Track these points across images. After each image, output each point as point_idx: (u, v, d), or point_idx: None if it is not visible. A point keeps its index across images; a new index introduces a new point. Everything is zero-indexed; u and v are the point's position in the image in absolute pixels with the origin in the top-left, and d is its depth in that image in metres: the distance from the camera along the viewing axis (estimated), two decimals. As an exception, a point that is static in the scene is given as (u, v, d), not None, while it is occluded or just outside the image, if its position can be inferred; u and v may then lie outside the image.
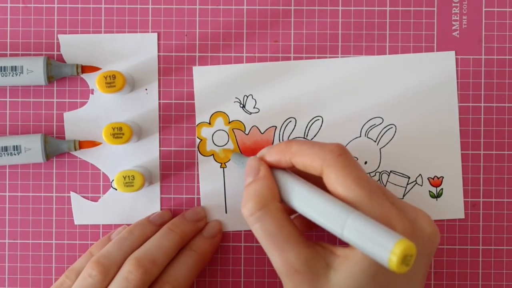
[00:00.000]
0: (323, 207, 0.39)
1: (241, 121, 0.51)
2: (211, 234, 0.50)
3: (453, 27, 0.51)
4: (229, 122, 0.51)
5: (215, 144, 0.51)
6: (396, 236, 0.36)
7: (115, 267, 0.45)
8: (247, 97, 0.51)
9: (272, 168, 0.44)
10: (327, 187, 0.41)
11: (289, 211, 0.44)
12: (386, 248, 0.35)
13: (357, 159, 0.51)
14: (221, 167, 0.51)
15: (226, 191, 0.51)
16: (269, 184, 0.42)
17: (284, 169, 0.44)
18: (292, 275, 0.40)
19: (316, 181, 0.42)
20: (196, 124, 0.51)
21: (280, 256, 0.40)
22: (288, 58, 0.51)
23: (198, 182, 0.51)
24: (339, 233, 0.38)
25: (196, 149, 0.51)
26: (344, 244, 0.40)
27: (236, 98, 0.51)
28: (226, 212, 0.51)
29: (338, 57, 0.51)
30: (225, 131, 0.51)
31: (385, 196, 0.40)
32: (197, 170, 0.51)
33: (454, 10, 0.51)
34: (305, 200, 0.41)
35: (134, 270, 0.44)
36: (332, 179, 0.40)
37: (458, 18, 0.51)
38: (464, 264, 0.51)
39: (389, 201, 0.41)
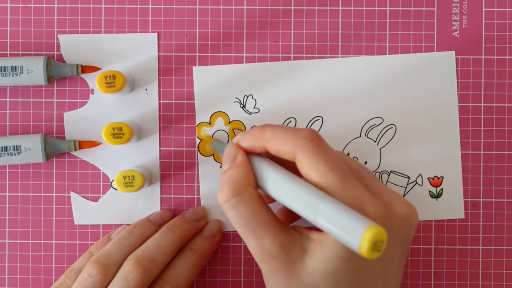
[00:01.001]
0: (296, 194, 0.39)
1: (241, 121, 0.51)
2: (211, 234, 0.50)
3: (453, 27, 0.51)
4: (229, 122, 0.51)
5: (215, 144, 0.51)
6: (366, 222, 0.36)
7: (115, 267, 0.45)
8: (247, 97, 0.51)
9: (249, 154, 0.44)
10: (301, 173, 0.41)
11: (268, 199, 0.44)
12: (356, 234, 0.35)
13: (357, 159, 0.51)
14: (221, 167, 0.51)
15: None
16: (245, 171, 0.42)
17: (260, 155, 0.44)
18: (268, 260, 0.40)
19: (291, 167, 0.42)
20: (196, 124, 0.51)
21: (256, 242, 0.40)
22: (288, 58, 0.51)
23: (198, 182, 0.51)
24: (312, 219, 0.38)
25: (196, 149, 0.51)
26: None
27: (236, 98, 0.51)
28: (226, 212, 0.51)
29: (338, 57, 0.51)
30: (225, 131, 0.51)
31: (358, 181, 0.40)
32: (197, 170, 0.51)
33: (454, 10, 0.51)
34: (279, 187, 0.41)
35: (134, 269, 0.44)
36: (305, 165, 0.40)
37: (458, 18, 0.51)
38: (464, 264, 0.51)
39: (364, 185, 0.41)
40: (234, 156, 0.43)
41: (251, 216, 0.41)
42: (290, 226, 0.42)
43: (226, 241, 0.51)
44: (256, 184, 0.43)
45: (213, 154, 0.51)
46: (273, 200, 0.46)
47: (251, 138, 0.43)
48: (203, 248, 0.49)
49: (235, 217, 0.41)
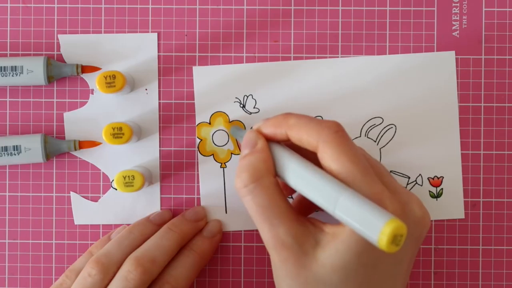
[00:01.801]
0: (316, 184, 0.39)
1: (241, 121, 0.51)
2: (211, 234, 0.50)
3: (453, 27, 0.51)
4: (229, 122, 0.51)
5: (215, 144, 0.51)
6: (387, 215, 0.36)
7: (115, 267, 0.45)
8: (247, 97, 0.51)
9: (269, 142, 0.43)
10: (321, 163, 0.40)
11: (287, 188, 0.44)
12: (376, 227, 0.35)
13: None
14: (221, 167, 0.51)
15: (226, 191, 0.51)
16: (265, 158, 0.42)
17: (280, 143, 0.43)
18: (280, 249, 0.40)
19: (310, 157, 0.42)
20: (196, 124, 0.51)
21: (270, 230, 0.40)
22: (288, 58, 0.51)
23: (198, 182, 0.51)
24: (331, 210, 0.38)
25: (196, 149, 0.51)
26: (335, 221, 0.40)
27: (236, 98, 0.51)
28: (226, 212, 0.51)
29: (338, 57, 0.51)
30: (225, 131, 0.51)
31: (377, 177, 0.40)
32: (197, 170, 0.51)
33: (454, 10, 0.51)
34: (299, 176, 0.40)
35: (134, 269, 0.44)
36: (327, 155, 0.40)
37: (458, 18, 0.51)
38: (464, 264, 0.51)
39: (382, 182, 0.41)
40: (255, 142, 0.43)
41: (267, 203, 0.41)
42: (305, 217, 0.42)
43: (226, 241, 0.51)
44: (274, 171, 0.42)
45: (213, 154, 0.51)
46: (291, 193, 0.46)
47: (274, 125, 0.43)
48: (203, 248, 0.49)
49: (251, 203, 0.41)
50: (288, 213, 0.41)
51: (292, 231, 0.40)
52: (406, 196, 0.42)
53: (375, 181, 0.39)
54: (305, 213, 0.47)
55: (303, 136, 0.41)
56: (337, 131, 0.40)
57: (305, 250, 0.40)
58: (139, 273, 0.44)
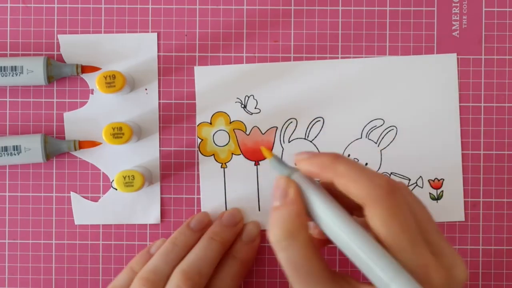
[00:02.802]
0: (366, 260, 0.37)
1: (242, 122, 0.51)
2: (250, 238, 0.50)
3: (453, 27, 0.51)
4: (230, 122, 0.51)
5: (216, 144, 0.51)
6: None
7: (163, 282, 0.45)
8: (248, 97, 0.51)
9: (304, 184, 0.40)
10: (368, 221, 0.38)
11: (319, 242, 0.42)
12: None
13: (358, 160, 0.51)
14: (221, 167, 0.51)
15: (226, 191, 0.51)
16: (298, 211, 0.39)
17: (315, 182, 0.40)
18: None
19: (351, 204, 0.39)
20: (197, 124, 0.51)
21: None
22: (288, 58, 0.51)
23: (198, 182, 0.51)
24: None
25: (197, 149, 0.51)
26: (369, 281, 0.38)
27: (237, 98, 0.51)
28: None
29: (338, 57, 0.51)
30: (226, 131, 0.51)
31: (425, 244, 0.38)
32: (197, 170, 0.51)
33: (454, 10, 0.51)
34: (344, 241, 0.38)
35: (183, 284, 0.44)
36: (376, 218, 0.37)
37: (458, 18, 0.51)
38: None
39: (428, 242, 0.39)
40: (285, 191, 0.39)
41: (302, 262, 0.38)
42: (340, 275, 0.40)
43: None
44: (307, 225, 0.39)
45: (213, 154, 0.51)
46: (324, 245, 0.43)
47: (320, 166, 0.39)
48: (245, 254, 0.49)
49: (285, 260, 0.39)
50: (323, 273, 0.39)
51: None
52: (451, 258, 0.39)
53: (424, 250, 0.38)
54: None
55: (351, 189, 0.38)
56: (389, 192, 0.37)
57: None
58: (188, 286, 0.44)
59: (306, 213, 0.39)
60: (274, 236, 0.39)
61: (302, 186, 0.39)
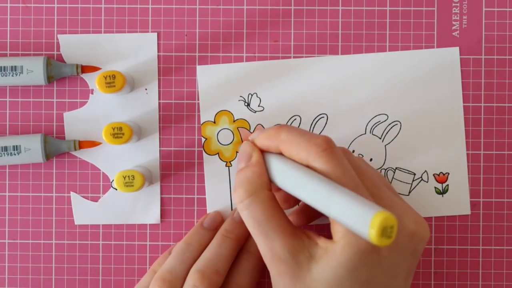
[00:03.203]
0: (310, 187, 0.39)
1: (246, 120, 0.51)
2: None
3: (453, 27, 0.51)
4: (234, 121, 0.51)
5: (220, 143, 0.51)
6: (375, 208, 0.35)
7: (180, 281, 0.46)
8: (252, 95, 0.51)
9: (264, 151, 0.44)
10: None
11: (288, 201, 0.45)
12: (365, 221, 0.35)
13: (363, 156, 0.51)
14: (226, 165, 0.51)
15: (231, 189, 0.51)
16: (259, 172, 0.42)
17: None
18: (276, 262, 0.40)
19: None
20: (201, 123, 0.51)
21: (266, 244, 0.41)
22: (288, 58, 0.51)
23: (198, 182, 0.51)
24: (327, 211, 0.38)
25: (202, 148, 0.51)
26: (329, 235, 0.40)
27: (240, 96, 0.51)
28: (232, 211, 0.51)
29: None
30: (230, 129, 0.51)
31: (368, 192, 0.40)
32: (197, 170, 0.51)
33: (454, 10, 0.51)
34: (294, 181, 0.41)
35: (200, 284, 0.45)
36: (318, 173, 0.40)
37: (458, 18, 0.51)
38: (464, 264, 0.51)
39: (376, 196, 0.41)
40: (250, 155, 0.44)
41: (263, 218, 0.41)
42: (301, 230, 0.42)
43: (226, 241, 0.51)
44: (270, 185, 0.43)
45: (218, 153, 0.51)
46: (291, 206, 0.46)
47: (267, 139, 0.43)
48: None
49: (248, 218, 0.42)
50: (283, 227, 0.41)
51: (288, 245, 0.40)
52: (400, 210, 0.41)
53: (364, 197, 0.39)
54: (309, 220, 0.47)
55: (293, 152, 0.41)
56: (325, 148, 0.40)
57: (300, 263, 0.40)
58: (206, 286, 0.45)
59: (268, 176, 0.43)
60: (239, 196, 0.42)
61: (263, 153, 0.44)
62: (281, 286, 0.41)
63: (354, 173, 0.41)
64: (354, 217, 0.36)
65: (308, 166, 0.41)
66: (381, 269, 0.40)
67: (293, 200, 0.46)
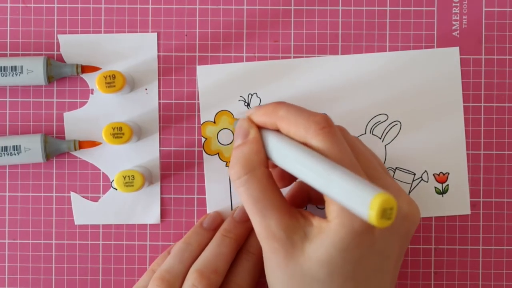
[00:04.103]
0: (308, 165, 0.39)
1: None
2: None
3: (453, 27, 0.51)
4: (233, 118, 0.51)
5: (220, 143, 0.51)
6: (375, 189, 0.35)
7: (179, 281, 0.46)
8: (252, 95, 0.51)
9: (262, 129, 0.43)
10: None
11: (284, 179, 0.45)
12: (365, 202, 0.35)
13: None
14: (226, 165, 0.51)
15: (232, 189, 0.51)
16: (257, 149, 0.42)
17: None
18: (271, 240, 0.40)
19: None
20: (201, 123, 0.51)
21: (261, 221, 0.41)
22: (288, 58, 0.51)
23: (198, 182, 0.51)
24: (325, 190, 0.38)
25: (202, 148, 0.51)
26: (323, 215, 0.40)
27: (240, 96, 0.51)
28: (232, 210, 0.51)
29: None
30: (230, 129, 0.51)
31: (364, 173, 0.41)
32: (197, 170, 0.51)
33: (454, 10, 0.51)
34: (292, 159, 0.40)
35: (199, 283, 0.44)
36: (316, 150, 0.40)
37: (458, 18, 0.51)
38: (464, 264, 0.51)
39: (372, 177, 0.41)
40: (247, 131, 0.43)
41: (260, 195, 0.41)
42: (297, 210, 0.42)
43: (226, 241, 0.51)
44: (267, 162, 0.42)
45: (218, 153, 0.51)
46: (287, 184, 0.46)
47: (264, 115, 0.43)
48: (260, 248, 0.49)
49: (244, 195, 0.41)
50: (279, 205, 0.41)
51: (283, 223, 0.40)
52: (394, 192, 0.41)
53: (361, 176, 0.39)
54: (300, 205, 0.48)
55: (291, 130, 0.41)
56: (324, 126, 0.40)
57: (294, 242, 0.40)
58: (204, 285, 0.44)
59: (265, 152, 0.42)
60: (236, 173, 0.42)
61: (260, 130, 0.43)
62: (273, 263, 0.41)
63: (351, 152, 0.41)
64: (354, 198, 0.36)
65: (305, 144, 0.40)
66: (373, 250, 0.40)
67: (288, 179, 0.45)
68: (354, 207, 0.36)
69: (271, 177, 0.42)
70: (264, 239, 0.41)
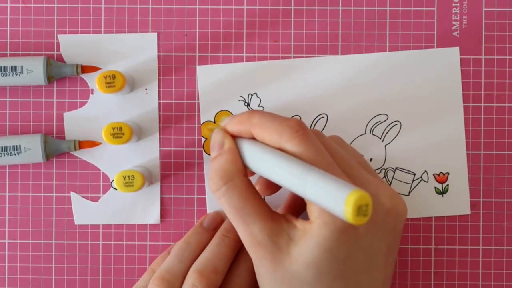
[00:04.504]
0: (284, 169, 0.39)
1: None
2: None
3: (453, 27, 0.51)
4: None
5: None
6: (349, 187, 0.35)
7: (179, 281, 0.45)
8: (252, 95, 0.51)
9: (237, 138, 0.44)
10: None
11: (269, 188, 0.45)
12: (340, 201, 0.35)
13: (362, 156, 0.51)
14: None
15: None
16: (233, 158, 0.42)
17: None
18: (257, 247, 0.41)
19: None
20: (201, 123, 0.51)
21: (245, 229, 0.41)
22: (288, 58, 0.51)
23: (198, 182, 0.51)
24: (302, 193, 0.38)
25: (202, 148, 0.51)
26: (306, 217, 0.40)
27: (240, 96, 0.51)
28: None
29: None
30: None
31: (342, 172, 0.40)
32: (197, 170, 0.51)
33: (454, 10, 0.51)
34: (269, 166, 0.40)
35: (198, 283, 0.44)
36: (291, 154, 0.40)
37: (458, 18, 0.51)
38: (464, 264, 0.51)
39: (351, 175, 0.41)
40: (222, 142, 0.43)
41: (241, 204, 0.41)
42: (280, 214, 0.42)
43: (226, 241, 0.51)
44: (245, 171, 0.43)
45: (214, 154, 0.51)
46: (272, 192, 0.46)
47: (238, 123, 0.43)
48: None
49: (226, 205, 0.42)
50: (261, 211, 0.41)
51: (266, 229, 0.40)
52: (374, 188, 0.41)
53: (339, 175, 0.39)
54: (298, 212, 0.48)
55: (266, 136, 0.41)
56: (298, 130, 0.40)
57: (279, 246, 0.40)
58: (204, 285, 0.44)
59: (242, 161, 0.42)
60: (214, 185, 0.42)
61: (236, 139, 0.43)
62: (262, 271, 0.41)
63: (327, 153, 0.41)
64: (329, 197, 0.36)
65: (280, 149, 0.41)
66: (359, 247, 0.40)
67: (274, 187, 0.46)
68: (330, 207, 0.36)
69: (251, 185, 0.42)
70: (250, 247, 0.41)
